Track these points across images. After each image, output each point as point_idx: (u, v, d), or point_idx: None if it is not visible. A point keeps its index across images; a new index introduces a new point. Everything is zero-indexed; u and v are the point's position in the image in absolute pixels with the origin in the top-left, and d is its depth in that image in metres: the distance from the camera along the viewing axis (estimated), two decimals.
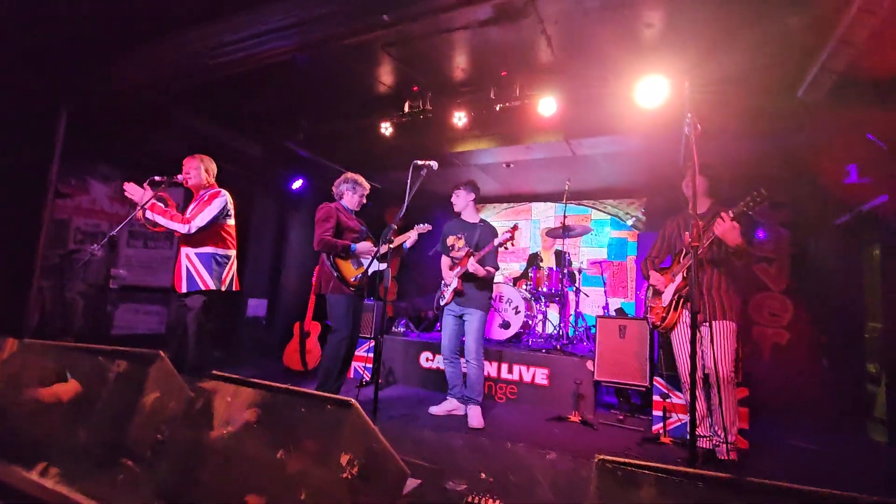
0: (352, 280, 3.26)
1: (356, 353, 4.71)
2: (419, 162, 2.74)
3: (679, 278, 2.76)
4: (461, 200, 3.62)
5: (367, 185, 3.58)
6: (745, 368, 2.80)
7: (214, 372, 1.68)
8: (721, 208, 2.65)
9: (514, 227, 3.36)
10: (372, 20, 2.41)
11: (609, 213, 6.30)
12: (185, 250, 3.11)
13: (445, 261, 3.69)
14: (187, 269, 3.08)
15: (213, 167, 3.32)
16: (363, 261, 3.38)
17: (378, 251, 3.15)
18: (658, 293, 2.92)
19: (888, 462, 3.02)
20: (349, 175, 3.53)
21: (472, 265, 3.34)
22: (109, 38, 3.37)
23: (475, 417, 3.31)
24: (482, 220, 3.64)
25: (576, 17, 3.06)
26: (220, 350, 5.11)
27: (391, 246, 2.77)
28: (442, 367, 4.32)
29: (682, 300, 2.76)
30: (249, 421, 1.39)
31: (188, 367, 2.90)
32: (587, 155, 4.79)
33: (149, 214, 3.01)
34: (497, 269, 3.52)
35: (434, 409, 3.54)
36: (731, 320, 2.65)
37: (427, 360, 4.52)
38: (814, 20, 2.46)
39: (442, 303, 3.61)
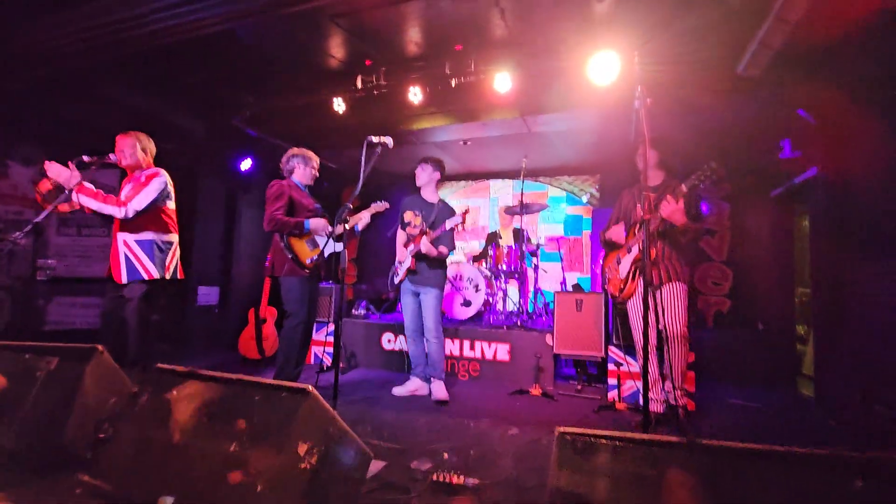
0: (307, 262, 3.14)
1: (315, 337, 4.62)
2: (374, 139, 2.65)
3: (636, 249, 2.86)
4: (425, 175, 3.57)
5: (317, 158, 3.44)
6: (691, 336, 2.95)
7: (159, 365, 1.58)
8: (674, 181, 2.76)
9: (465, 211, 3.35)
10: None
11: (565, 190, 6.42)
12: (123, 236, 2.88)
13: (401, 236, 3.66)
14: (126, 256, 2.87)
15: (151, 146, 3.08)
16: (319, 241, 3.27)
17: (333, 231, 3.06)
18: (619, 262, 3.03)
19: (814, 415, 3.31)
20: (296, 149, 3.37)
21: (425, 245, 3.34)
22: (23, 3, 3.01)
23: (439, 390, 3.37)
24: (441, 201, 3.63)
25: None
26: (168, 342, 4.86)
27: (346, 226, 2.68)
28: (405, 348, 4.33)
29: (638, 271, 2.88)
30: (199, 414, 1.32)
31: (129, 362, 2.73)
32: (543, 132, 4.83)
33: (78, 197, 2.76)
34: (452, 249, 3.52)
35: (397, 390, 3.54)
36: (681, 282, 2.82)
37: (389, 341, 4.50)
38: (752, 3, 2.54)
39: (396, 280, 3.60)
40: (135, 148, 2.95)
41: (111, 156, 2.93)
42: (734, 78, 2.96)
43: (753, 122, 3.94)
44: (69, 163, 2.75)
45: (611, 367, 3.58)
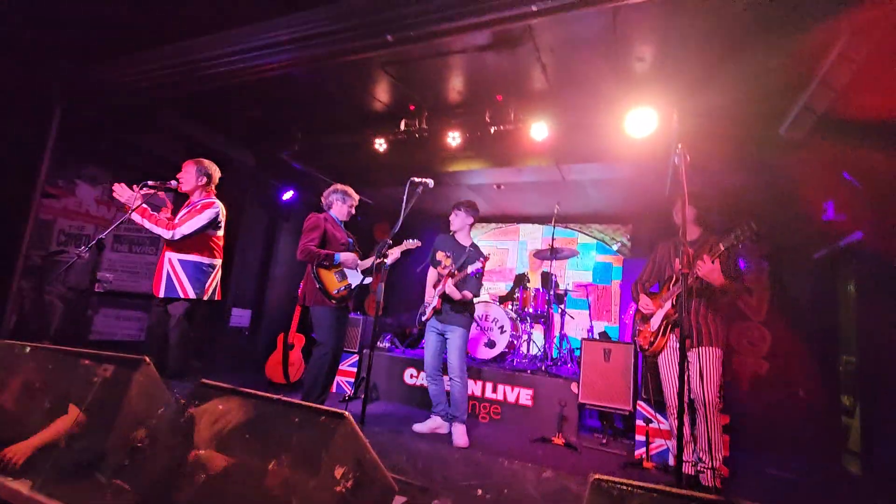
0: (334, 292, 3.23)
1: (340, 367, 4.66)
2: (416, 179, 2.77)
3: (668, 304, 2.82)
4: (459, 220, 3.63)
5: (357, 197, 3.58)
6: (725, 396, 2.84)
7: (203, 380, 1.65)
8: (711, 237, 2.74)
9: (486, 258, 3.41)
10: (375, 40, 2.46)
11: (595, 238, 6.41)
12: (169, 255, 3.07)
13: (432, 275, 3.72)
14: (168, 274, 3.04)
15: (215, 173, 3.30)
16: (348, 274, 3.36)
17: (365, 264, 3.21)
18: (647, 318, 2.97)
19: (861, 492, 3.07)
20: (339, 186, 3.53)
21: (450, 287, 3.37)
22: (111, 41, 3.38)
23: (460, 436, 3.29)
24: (473, 245, 3.67)
25: (571, 47, 3.18)
26: (199, 360, 4.99)
27: (385, 260, 2.77)
28: (426, 384, 4.31)
29: (670, 325, 2.82)
30: (238, 431, 1.37)
31: (168, 374, 2.84)
32: (576, 180, 4.91)
33: (135, 217, 2.97)
34: (476, 294, 3.53)
35: (418, 427, 3.50)
36: (716, 346, 2.70)
37: (411, 376, 4.48)
38: (795, 61, 2.60)
39: (423, 319, 3.63)
40: (193, 174, 3.18)
41: (172, 182, 3.16)
42: (776, 138, 2.98)
43: (796, 182, 3.91)
44: (134, 186, 2.99)
45: (639, 422, 3.45)
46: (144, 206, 3.01)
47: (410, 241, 3.55)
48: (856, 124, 2.62)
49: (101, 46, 3.45)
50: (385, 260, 2.77)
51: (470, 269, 3.36)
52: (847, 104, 2.38)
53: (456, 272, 3.45)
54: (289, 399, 1.37)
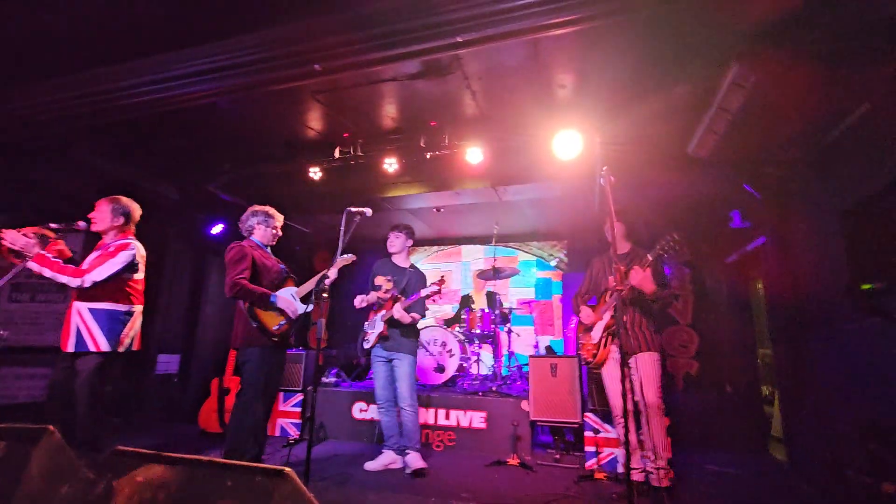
0: (274, 328, 2.85)
1: (283, 408, 4.39)
2: (353, 209, 2.71)
3: (607, 315, 2.97)
4: (399, 243, 3.59)
5: (280, 217, 3.24)
6: (664, 399, 2.98)
7: (118, 448, 1.47)
8: (641, 250, 2.98)
9: (441, 280, 3.37)
10: (302, 69, 2.42)
11: (534, 255, 6.62)
12: (77, 305, 2.72)
13: (372, 300, 3.60)
14: (77, 326, 2.68)
15: (135, 211, 2.98)
16: (285, 306, 2.99)
17: (304, 288, 2.99)
18: (589, 329, 3.12)
19: (790, 480, 3.32)
20: (257, 207, 3.16)
21: (398, 311, 3.29)
22: (15, 66, 3.04)
23: (416, 460, 3.25)
24: (412, 266, 3.64)
25: (498, 74, 3.30)
26: (120, 415, 4.50)
27: (324, 295, 2.63)
28: (377, 417, 4.16)
29: (610, 336, 2.98)
30: (164, 501, 1.22)
31: (78, 442, 2.51)
32: (512, 200, 5.06)
33: (33, 266, 2.63)
34: (423, 316, 3.50)
35: (370, 465, 3.35)
36: (654, 350, 2.90)
37: (361, 410, 4.31)
38: (696, 88, 2.88)
39: (366, 346, 3.52)
40: (107, 213, 2.88)
41: (80, 223, 2.85)
42: (685, 157, 3.25)
43: (705, 195, 4.29)
44: (28, 229, 2.65)
45: (588, 433, 3.53)
46: (43, 252, 2.67)
47: (345, 256, 3.27)
48: (752, 141, 2.93)
49: (5, 72, 3.11)
50: (325, 283, 2.63)
51: (423, 291, 3.31)
52: (742, 124, 2.66)
53: (401, 297, 3.37)
54: (219, 460, 1.24)
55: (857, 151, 2.55)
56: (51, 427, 1.68)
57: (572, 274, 6.16)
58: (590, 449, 3.49)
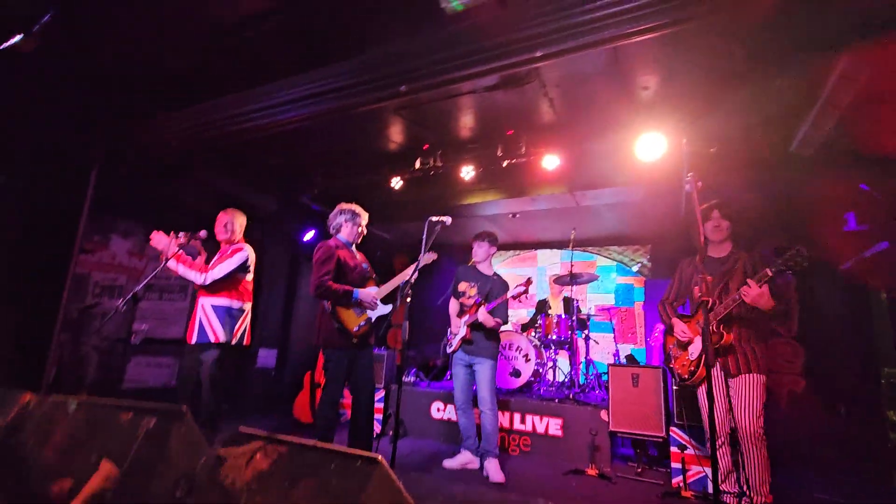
0: (354, 329, 2.91)
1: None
2: (434, 218, 2.78)
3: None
4: (482, 252, 3.62)
5: (365, 214, 3.28)
6: (766, 416, 2.75)
7: (242, 428, 1.71)
8: (744, 254, 2.66)
9: (528, 281, 3.38)
10: (390, 91, 2.61)
11: (614, 260, 6.39)
12: (202, 300, 3.20)
13: (454, 305, 3.74)
14: (200, 320, 3.16)
15: (243, 220, 3.47)
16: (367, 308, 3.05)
17: (384, 289, 3.05)
18: (683, 345, 2.80)
19: None
20: (344, 206, 3.22)
21: (483, 314, 3.35)
22: (144, 101, 3.62)
23: (495, 472, 3.24)
24: (496, 274, 3.67)
25: (576, 81, 3.29)
26: (227, 402, 5.07)
27: (408, 299, 2.76)
28: (454, 417, 4.28)
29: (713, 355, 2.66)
30: (277, 479, 1.41)
31: (202, 421, 2.91)
32: (591, 205, 4.95)
33: (171, 263, 3.13)
34: (505, 321, 3.52)
35: (448, 463, 3.47)
36: (760, 372, 2.56)
37: (438, 410, 4.46)
38: (797, 84, 2.65)
39: (449, 350, 3.63)
40: (231, 223, 3.36)
41: (202, 232, 3.32)
42: (788, 156, 3.00)
43: (812, 196, 3.89)
44: (172, 233, 3.15)
45: (673, 449, 3.36)
46: (180, 252, 3.17)
47: (428, 254, 3.21)
48: (866, 138, 2.63)
49: (138, 105, 3.70)
50: (411, 280, 2.75)
51: (510, 292, 3.36)
52: (853, 120, 2.41)
53: (485, 302, 3.44)
54: (324, 445, 1.41)
55: None
56: (184, 407, 1.99)
57: (656, 280, 5.86)
58: (675, 465, 3.31)
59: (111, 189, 4.19)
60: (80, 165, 3.71)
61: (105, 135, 3.76)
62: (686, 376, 2.75)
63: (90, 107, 3.60)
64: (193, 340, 3.12)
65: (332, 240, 3.15)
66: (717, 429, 2.56)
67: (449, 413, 4.36)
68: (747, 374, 2.55)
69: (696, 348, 2.71)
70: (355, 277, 3.06)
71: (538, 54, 2.15)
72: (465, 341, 3.48)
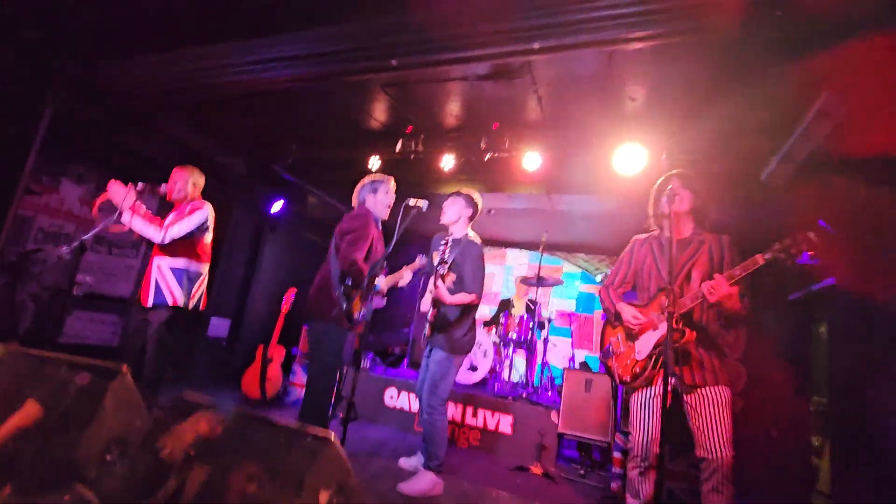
0: (357, 316, 2.65)
1: None
2: (411, 201, 2.64)
3: (664, 327, 2.06)
4: (453, 211, 2.99)
5: (394, 185, 2.93)
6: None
7: (186, 394, 1.61)
8: (707, 235, 2.23)
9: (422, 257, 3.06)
10: (381, 63, 2.52)
11: (580, 267, 6.50)
12: (158, 261, 3.01)
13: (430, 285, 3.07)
14: (156, 280, 2.98)
15: (202, 181, 3.28)
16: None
17: (372, 298, 2.75)
18: (632, 336, 2.23)
19: None
20: (378, 175, 2.90)
21: (440, 288, 2.69)
22: (114, 41, 3.36)
23: (414, 484, 2.70)
24: (467, 237, 2.96)
25: (567, 82, 3.29)
26: (172, 370, 4.84)
27: (383, 286, 2.68)
28: (406, 407, 4.26)
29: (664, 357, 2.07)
30: (219, 449, 1.34)
31: (143, 384, 2.75)
32: (565, 210, 5.01)
33: (127, 217, 2.92)
34: (475, 293, 2.80)
35: (404, 463, 3.14)
36: (725, 384, 2.06)
37: (391, 397, 4.42)
38: (776, 115, 2.74)
39: (424, 338, 2.97)
40: (187, 182, 3.16)
41: (162, 186, 3.13)
42: (757, 184, 3.10)
43: (773, 224, 4.05)
44: (129, 184, 2.94)
45: (616, 454, 3.45)
46: (138, 203, 2.97)
47: (420, 257, 3.16)
48: (835, 176, 2.76)
49: (106, 47, 3.43)
50: (383, 286, 2.67)
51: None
52: (825, 156, 2.51)
53: (448, 272, 2.74)
54: (274, 418, 1.34)
55: None
56: (124, 367, 1.87)
57: None
58: (616, 470, 3.41)
59: (68, 130, 3.90)
60: (34, 101, 3.42)
61: (67, 75, 3.47)
62: (628, 378, 2.17)
63: (51, 44, 3.31)
64: (150, 303, 2.93)
65: (368, 211, 2.77)
66: (644, 448, 2.12)
67: (402, 402, 4.33)
68: (714, 387, 2.03)
69: (645, 345, 2.15)
70: (376, 262, 2.73)
71: (535, 46, 2.12)
72: (430, 323, 2.81)
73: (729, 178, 3.34)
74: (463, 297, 2.76)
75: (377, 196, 2.82)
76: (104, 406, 1.69)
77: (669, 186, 2.13)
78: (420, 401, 2.90)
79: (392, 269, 3.16)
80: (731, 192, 3.41)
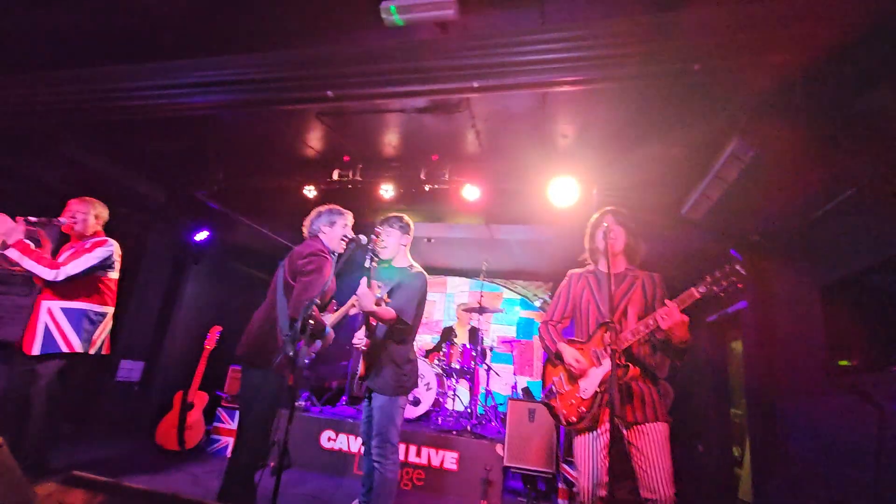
0: (306, 361, 2.28)
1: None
2: (347, 236, 2.57)
3: (607, 363, 2.01)
4: (392, 242, 2.68)
5: (351, 217, 2.72)
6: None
7: (75, 473, 1.36)
8: (638, 272, 2.25)
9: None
10: (315, 94, 2.43)
11: (519, 294, 6.63)
12: (48, 304, 2.62)
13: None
14: (45, 325, 2.58)
15: (105, 213, 2.95)
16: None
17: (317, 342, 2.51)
18: (573, 378, 2.15)
19: None
20: (333, 206, 2.70)
21: (363, 299, 2.38)
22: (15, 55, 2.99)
23: None
24: (412, 265, 2.73)
25: (503, 118, 3.39)
26: (73, 422, 4.23)
27: (331, 324, 2.48)
28: (346, 448, 4.03)
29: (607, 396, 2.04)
30: None
31: (25, 454, 2.34)
32: (504, 239, 5.11)
33: (11, 252, 2.53)
34: (414, 315, 2.55)
35: None
36: (662, 420, 2.05)
37: (329, 439, 4.15)
38: (695, 156, 2.99)
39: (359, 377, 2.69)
40: (87, 215, 2.83)
41: (60, 218, 2.77)
42: (679, 216, 3.34)
43: (691, 254, 4.38)
44: (17, 218, 2.57)
45: (561, 486, 3.46)
46: (25, 240, 2.58)
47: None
48: (742, 210, 3.04)
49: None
50: (330, 324, 2.47)
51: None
52: (735, 194, 2.76)
53: (387, 297, 2.49)
54: (186, 496, 1.16)
55: (840, 232, 2.66)
56: (0, 440, 1.56)
57: None
58: (562, 502, 3.40)
59: None
60: None
61: None
62: (574, 419, 2.08)
63: None
64: (36, 351, 2.52)
65: (325, 248, 2.54)
66: (591, 494, 2.00)
67: (340, 443, 4.07)
68: (654, 423, 2.02)
69: (590, 384, 2.07)
70: (327, 301, 2.53)
71: (475, 85, 2.15)
72: (364, 356, 2.54)
73: (653, 211, 3.57)
74: (386, 311, 2.43)
75: (334, 229, 2.62)
76: None
77: (605, 224, 2.18)
78: (366, 448, 2.61)
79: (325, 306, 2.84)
80: (656, 225, 3.64)
